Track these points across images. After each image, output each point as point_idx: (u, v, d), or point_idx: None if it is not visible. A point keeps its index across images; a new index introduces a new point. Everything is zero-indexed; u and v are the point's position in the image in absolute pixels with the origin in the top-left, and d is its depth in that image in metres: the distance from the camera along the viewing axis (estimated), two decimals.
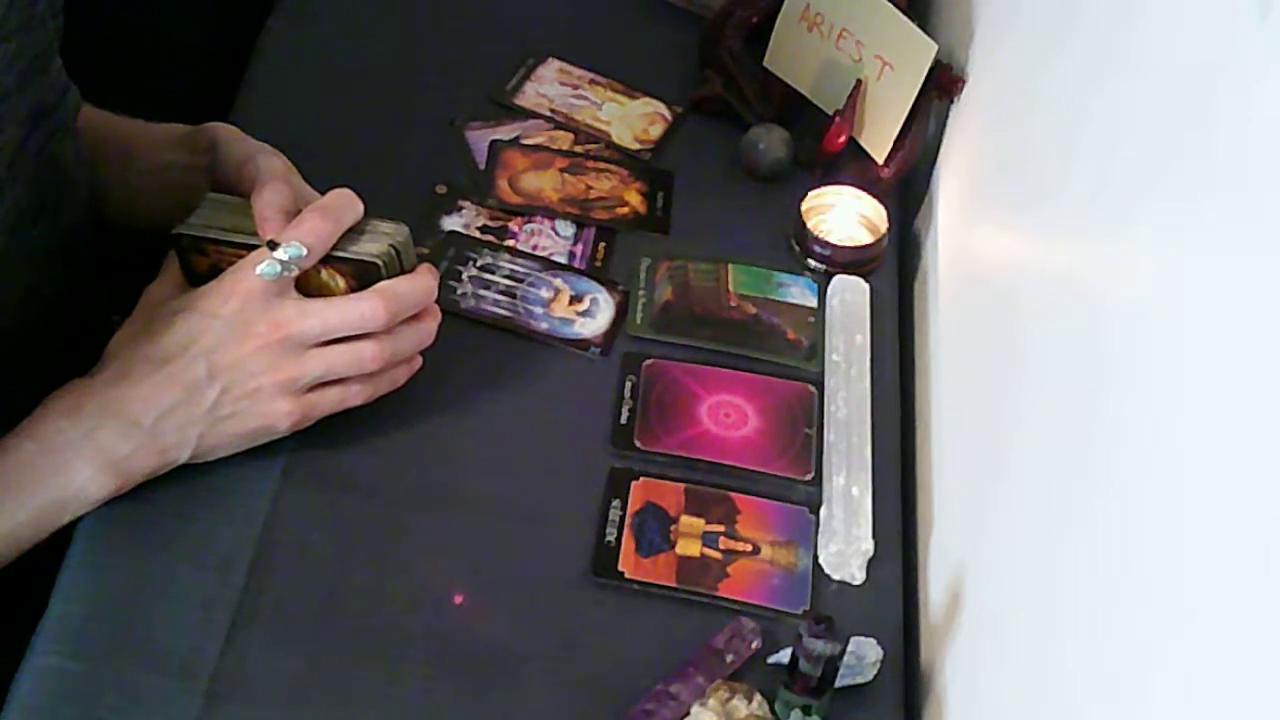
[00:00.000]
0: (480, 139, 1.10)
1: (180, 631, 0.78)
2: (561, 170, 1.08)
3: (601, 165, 1.09)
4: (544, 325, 0.97)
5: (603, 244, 1.04)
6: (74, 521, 0.81)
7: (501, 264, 1.00)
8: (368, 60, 1.14)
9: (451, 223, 1.03)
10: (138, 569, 0.80)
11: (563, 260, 1.02)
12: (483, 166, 1.07)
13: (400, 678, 0.78)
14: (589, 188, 1.07)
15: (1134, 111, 0.69)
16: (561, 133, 1.12)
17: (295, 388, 0.82)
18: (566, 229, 1.04)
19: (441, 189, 1.05)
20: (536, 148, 1.10)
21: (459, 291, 0.98)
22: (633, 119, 1.14)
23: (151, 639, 0.77)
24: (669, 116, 1.15)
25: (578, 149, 1.11)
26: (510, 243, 1.03)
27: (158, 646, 0.77)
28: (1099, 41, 0.77)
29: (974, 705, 0.78)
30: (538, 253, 1.02)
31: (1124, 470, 0.62)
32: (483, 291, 0.98)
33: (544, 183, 1.07)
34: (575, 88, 1.16)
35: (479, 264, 1.00)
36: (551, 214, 1.05)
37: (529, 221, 1.04)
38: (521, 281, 0.99)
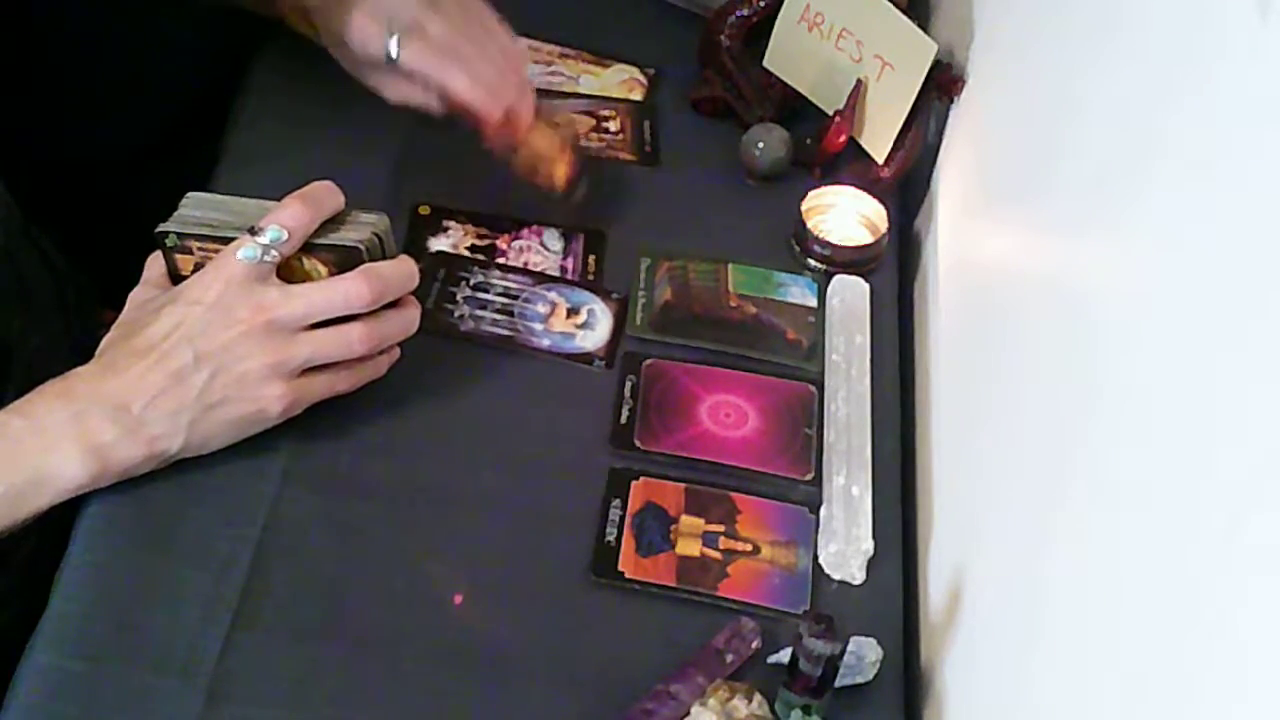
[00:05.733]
0: None
1: (180, 631, 0.78)
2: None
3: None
4: (546, 342, 0.97)
5: (592, 256, 1.03)
6: (74, 521, 0.81)
7: (494, 281, 0.99)
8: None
9: (439, 244, 1.02)
10: (138, 569, 0.80)
11: (554, 274, 1.01)
12: None
13: (400, 678, 0.78)
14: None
15: (1134, 111, 0.69)
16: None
17: (284, 371, 0.81)
18: (555, 243, 1.03)
19: (424, 209, 1.03)
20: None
21: (456, 314, 0.97)
22: (611, 88, 1.15)
23: (151, 639, 0.77)
24: (644, 80, 1.15)
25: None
26: (500, 260, 1.01)
27: (158, 646, 0.77)
28: (1098, 41, 0.77)
29: (974, 705, 0.78)
30: (529, 268, 1.01)
31: (1124, 470, 0.62)
32: (480, 312, 0.97)
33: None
34: (549, 64, 1.15)
35: (471, 283, 0.99)
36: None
37: (516, 238, 1.03)
38: (517, 298, 0.99)
